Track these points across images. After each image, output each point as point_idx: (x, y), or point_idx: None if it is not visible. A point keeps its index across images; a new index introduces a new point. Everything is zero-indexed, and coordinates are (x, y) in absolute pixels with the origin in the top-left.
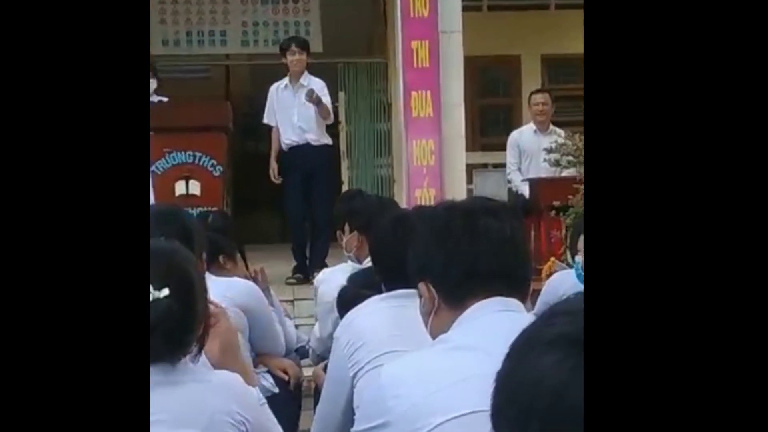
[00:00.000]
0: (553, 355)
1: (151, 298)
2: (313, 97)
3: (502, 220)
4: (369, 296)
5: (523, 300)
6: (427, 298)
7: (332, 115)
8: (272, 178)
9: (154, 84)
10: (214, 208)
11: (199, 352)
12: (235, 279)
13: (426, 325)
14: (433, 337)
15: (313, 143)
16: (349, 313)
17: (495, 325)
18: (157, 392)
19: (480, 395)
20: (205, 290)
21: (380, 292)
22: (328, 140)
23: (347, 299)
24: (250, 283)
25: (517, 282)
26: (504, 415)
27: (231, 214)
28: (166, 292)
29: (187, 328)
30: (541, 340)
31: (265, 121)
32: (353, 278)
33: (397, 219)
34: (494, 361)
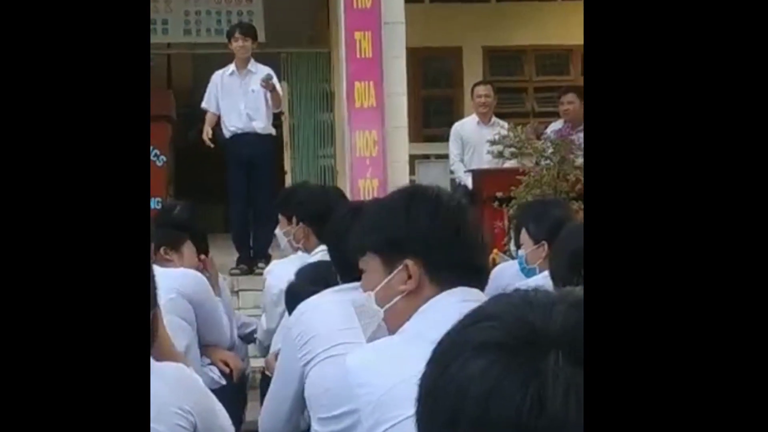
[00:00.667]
0: (479, 361)
1: None
2: (269, 83)
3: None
4: (316, 292)
5: (482, 290)
6: (404, 278)
7: (270, 112)
8: (206, 138)
9: None
10: (159, 198)
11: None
12: (182, 270)
13: (381, 303)
14: (391, 321)
15: (259, 131)
16: (302, 305)
17: (456, 316)
18: None
19: None
20: (154, 282)
21: (327, 287)
22: (273, 130)
23: (294, 294)
24: (197, 273)
25: (480, 272)
26: (430, 423)
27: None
28: None
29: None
30: (467, 345)
31: (204, 105)
32: (301, 273)
33: (354, 210)
34: None
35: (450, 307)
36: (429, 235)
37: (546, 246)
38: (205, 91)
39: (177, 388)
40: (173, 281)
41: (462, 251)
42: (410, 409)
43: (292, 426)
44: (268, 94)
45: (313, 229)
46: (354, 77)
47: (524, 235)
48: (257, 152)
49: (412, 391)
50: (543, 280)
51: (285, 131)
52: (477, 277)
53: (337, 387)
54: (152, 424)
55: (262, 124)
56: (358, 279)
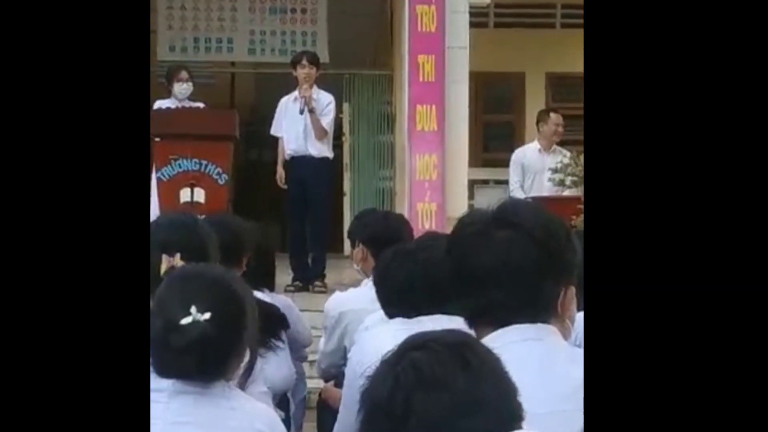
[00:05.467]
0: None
1: (191, 319)
2: (308, 101)
3: None
4: None
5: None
6: None
7: (328, 134)
8: (279, 183)
9: (190, 88)
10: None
11: (246, 378)
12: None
13: None
14: None
15: (314, 155)
16: (360, 334)
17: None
18: (186, 399)
19: None
20: (255, 321)
21: None
22: (329, 154)
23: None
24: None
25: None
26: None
27: None
28: (207, 316)
29: (224, 354)
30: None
31: (273, 132)
32: None
33: (396, 252)
34: None
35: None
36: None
37: None
38: (268, 112)
39: (255, 419)
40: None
41: None
42: None
43: None
44: (323, 119)
45: (371, 251)
46: (416, 100)
47: None
48: (313, 175)
49: None
50: None
51: (345, 153)
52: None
53: None
54: None
55: (316, 148)
56: (401, 315)
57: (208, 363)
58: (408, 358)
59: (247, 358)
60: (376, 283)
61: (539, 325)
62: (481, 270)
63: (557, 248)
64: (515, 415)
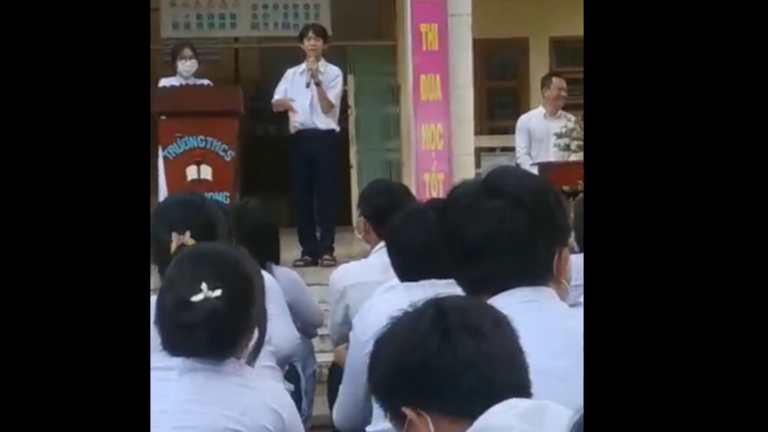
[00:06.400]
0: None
1: (201, 296)
2: (315, 75)
3: None
4: None
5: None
6: None
7: (335, 107)
8: (292, 128)
9: (195, 66)
10: (227, 193)
11: (255, 355)
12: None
13: None
14: None
15: (321, 127)
16: (366, 303)
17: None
18: (197, 376)
19: None
20: (263, 305)
21: None
22: (336, 127)
23: None
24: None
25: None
26: None
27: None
28: (218, 293)
29: (234, 331)
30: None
31: (276, 97)
32: None
33: (412, 213)
34: None
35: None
36: None
37: None
38: (272, 88)
39: (267, 394)
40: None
41: None
42: None
43: (363, 415)
44: (330, 92)
45: (372, 224)
46: (420, 70)
47: None
48: (319, 148)
49: None
50: None
51: (350, 125)
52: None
53: None
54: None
55: (323, 121)
56: (413, 279)
57: (219, 340)
58: (445, 305)
59: (256, 336)
60: (388, 246)
61: (537, 287)
62: (474, 241)
63: (546, 212)
64: (527, 374)
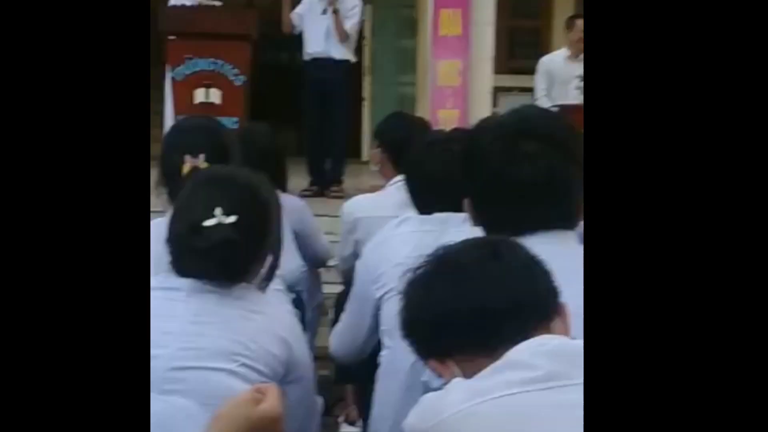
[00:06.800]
0: None
1: (215, 221)
2: (333, 2)
3: None
4: None
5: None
6: None
7: (351, 37)
8: (284, 29)
9: None
10: (236, 119)
11: (267, 283)
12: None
13: None
14: None
15: (336, 57)
16: (376, 236)
17: None
18: (206, 298)
19: None
20: (279, 223)
21: None
22: (352, 57)
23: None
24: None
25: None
26: None
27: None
28: (231, 219)
29: (246, 258)
30: None
31: (292, 22)
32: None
33: (432, 143)
34: None
35: None
36: None
37: None
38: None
39: (275, 323)
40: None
41: None
42: None
43: (364, 347)
44: (347, 22)
45: (390, 156)
46: (440, 4)
47: None
48: (332, 78)
49: None
50: None
51: (365, 56)
52: None
53: None
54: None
55: (338, 50)
56: (433, 211)
57: (231, 266)
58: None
59: (269, 263)
60: (406, 177)
61: (567, 232)
62: (520, 185)
63: (579, 152)
64: (552, 302)
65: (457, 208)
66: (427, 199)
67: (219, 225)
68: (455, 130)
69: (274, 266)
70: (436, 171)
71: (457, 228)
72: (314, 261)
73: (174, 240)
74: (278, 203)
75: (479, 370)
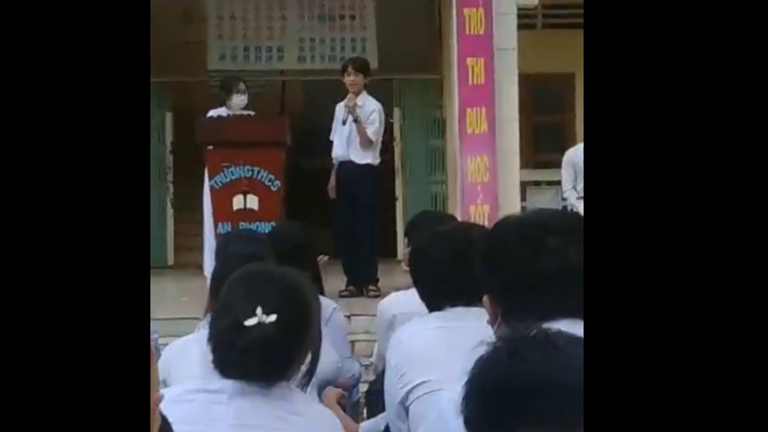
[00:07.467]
0: None
1: (256, 320)
2: (352, 108)
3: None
4: None
5: None
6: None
7: (374, 142)
8: (330, 194)
9: (246, 99)
10: (274, 223)
11: (309, 380)
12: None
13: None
14: None
15: (356, 161)
16: (397, 332)
17: None
18: (247, 401)
19: None
20: (319, 330)
21: None
22: (374, 161)
23: None
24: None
25: None
26: None
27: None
28: (272, 318)
29: (287, 356)
30: None
31: (331, 137)
32: None
33: (435, 234)
34: None
35: None
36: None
37: None
38: (318, 119)
39: (326, 422)
40: None
41: None
42: None
43: None
44: (369, 128)
45: None
46: (466, 103)
47: None
48: (355, 180)
49: None
50: None
51: (396, 157)
52: None
53: (434, 423)
54: None
55: (358, 155)
56: (441, 304)
57: (271, 364)
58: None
59: (308, 360)
60: (410, 266)
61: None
62: (546, 277)
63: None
64: None
65: (461, 298)
66: (431, 288)
67: (260, 324)
68: (464, 222)
69: (315, 363)
70: (438, 258)
71: (478, 323)
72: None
73: (216, 338)
74: (318, 300)
75: None
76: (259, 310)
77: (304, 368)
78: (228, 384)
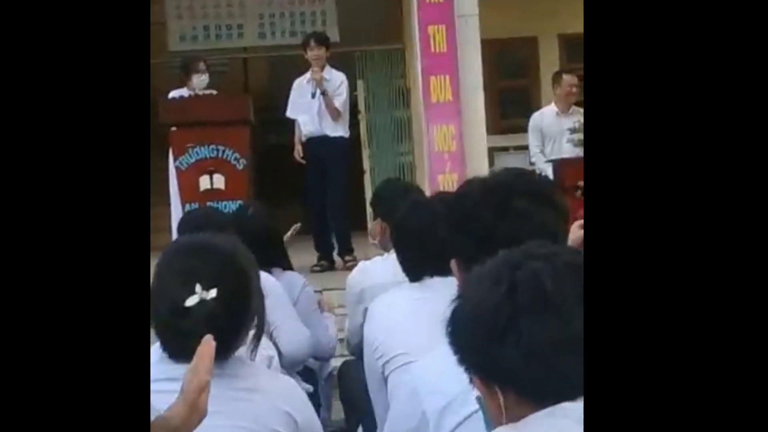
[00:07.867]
0: None
1: (197, 299)
2: (320, 83)
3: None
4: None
5: None
6: None
7: (342, 113)
8: (297, 158)
9: (207, 79)
10: (240, 202)
11: (256, 344)
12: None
13: None
14: None
15: (330, 135)
16: (374, 304)
17: None
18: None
19: None
20: (260, 293)
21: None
22: (345, 133)
23: None
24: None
25: None
26: None
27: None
28: (213, 294)
29: (232, 332)
30: None
31: (288, 114)
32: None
33: (413, 205)
34: None
35: None
36: None
37: None
38: (283, 96)
39: (278, 397)
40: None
41: None
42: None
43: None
44: (336, 100)
45: (390, 224)
46: (429, 72)
47: None
48: (329, 154)
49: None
50: None
51: (362, 130)
52: None
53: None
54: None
55: (332, 128)
56: (422, 274)
57: (221, 341)
58: (528, 268)
59: (249, 334)
60: (393, 238)
61: None
62: (514, 241)
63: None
64: None
65: (444, 270)
66: (414, 259)
67: (201, 302)
68: (439, 192)
69: (261, 327)
70: (420, 229)
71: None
72: (318, 352)
73: (159, 323)
74: (255, 264)
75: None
76: (198, 287)
77: (251, 333)
78: (181, 370)
